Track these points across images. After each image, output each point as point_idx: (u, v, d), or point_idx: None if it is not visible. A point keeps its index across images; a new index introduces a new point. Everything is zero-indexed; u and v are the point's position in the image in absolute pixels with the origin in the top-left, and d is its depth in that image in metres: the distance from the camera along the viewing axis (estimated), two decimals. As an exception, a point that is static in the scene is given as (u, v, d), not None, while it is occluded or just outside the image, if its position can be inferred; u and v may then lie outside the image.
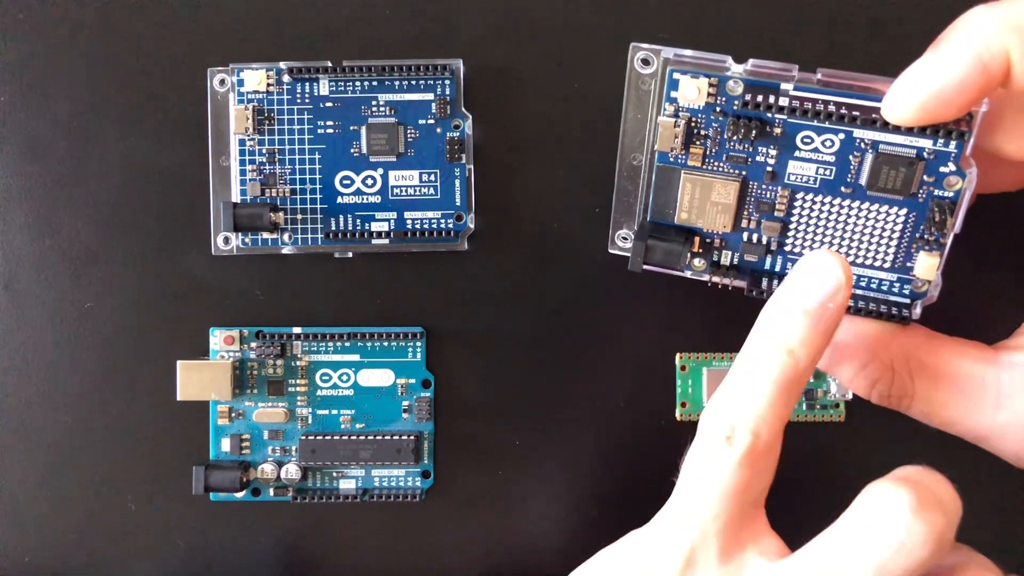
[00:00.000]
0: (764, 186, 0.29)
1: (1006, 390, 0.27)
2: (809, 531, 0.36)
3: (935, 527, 0.23)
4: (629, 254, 0.30)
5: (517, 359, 0.36)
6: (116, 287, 0.36)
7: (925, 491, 0.23)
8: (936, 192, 0.28)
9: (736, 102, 0.28)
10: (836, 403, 0.35)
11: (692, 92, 0.28)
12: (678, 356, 0.35)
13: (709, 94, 0.28)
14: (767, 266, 0.30)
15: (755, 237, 0.30)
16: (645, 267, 0.30)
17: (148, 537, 0.36)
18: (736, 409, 0.25)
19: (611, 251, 0.32)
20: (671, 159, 0.29)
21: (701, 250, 0.30)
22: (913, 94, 0.25)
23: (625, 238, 0.32)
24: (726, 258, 0.30)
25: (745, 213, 0.30)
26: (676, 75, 0.28)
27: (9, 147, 0.35)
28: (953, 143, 0.27)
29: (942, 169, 0.27)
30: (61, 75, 0.35)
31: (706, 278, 0.31)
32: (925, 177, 0.28)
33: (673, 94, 0.28)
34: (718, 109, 0.28)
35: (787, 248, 0.30)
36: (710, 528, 0.25)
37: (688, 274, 0.31)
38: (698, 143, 0.29)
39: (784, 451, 0.35)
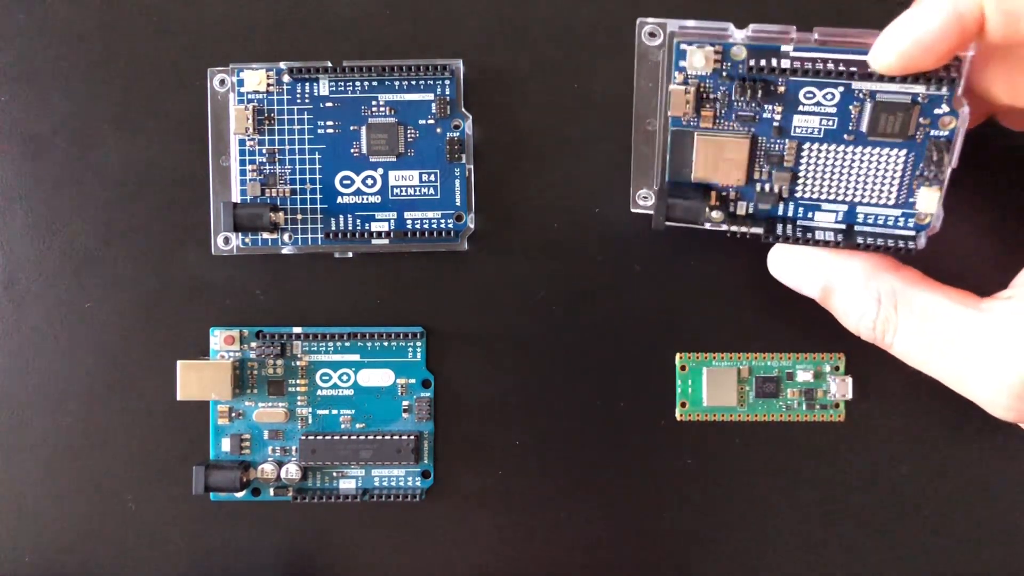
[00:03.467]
0: (772, 140, 0.31)
1: (985, 336, 0.28)
2: (810, 531, 0.36)
3: None
4: (651, 211, 0.32)
5: (517, 359, 0.36)
6: (116, 287, 0.36)
7: None
8: (932, 133, 0.29)
9: (741, 66, 0.30)
10: (836, 403, 0.35)
11: (699, 61, 0.30)
12: (678, 356, 0.35)
13: (715, 61, 0.30)
14: (780, 212, 0.32)
15: (767, 187, 0.31)
16: (668, 223, 0.32)
17: (148, 537, 0.36)
18: None
19: (633, 211, 0.34)
20: (684, 123, 0.31)
21: (718, 203, 0.32)
22: (896, 44, 0.27)
23: (645, 197, 0.33)
24: (742, 208, 0.32)
25: (757, 166, 0.31)
26: (683, 46, 0.30)
27: (9, 147, 0.35)
28: (944, 87, 0.28)
29: (936, 111, 0.29)
30: (61, 75, 0.35)
31: (724, 228, 0.32)
32: (921, 120, 0.29)
33: (682, 63, 0.30)
34: (724, 74, 0.30)
35: (798, 194, 0.31)
36: None
37: (707, 226, 0.32)
38: (708, 106, 0.31)
39: (784, 451, 0.36)
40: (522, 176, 0.35)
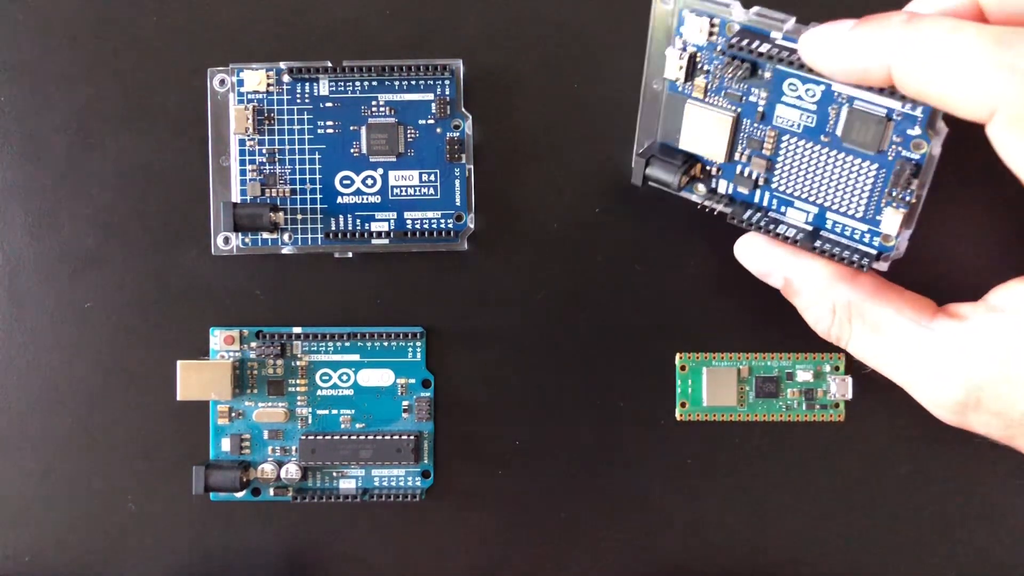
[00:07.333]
0: (755, 125, 0.31)
1: (928, 353, 0.28)
2: (809, 531, 0.36)
3: None
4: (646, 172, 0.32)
5: (517, 359, 0.36)
6: (116, 287, 0.36)
7: None
8: (904, 152, 0.29)
9: (731, 43, 0.30)
10: (836, 403, 0.35)
11: (695, 29, 0.31)
12: (678, 356, 0.35)
13: (710, 33, 0.30)
14: (756, 199, 0.32)
15: (746, 171, 0.32)
16: (647, 182, 0.32)
17: (148, 537, 0.36)
18: None
19: (633, 182, 0.33)
20: (679, 89, 0.32)
21: (702, 176, 0.33)
22: (820, 53, 0.27)
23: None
24: (722, 186, 0.33)
25: (739, 148, 0.32)
26: (685, 13, 0.31)
27: (9, 147, 0.35)
28: (920, 109, 0.28)
29: (909, 132, 0.29)
30: (61, 75, 0.35)
31: (695, 199, 0.33)
32: (894, 137, 0.29)
33: (682, 29, 0.31)
34: (718, 48, 0.31)
35: (773, 185, 0.32)
36: None
37: (684, 194, 0.33)
38: (701, 76, 0.31)
39: (784, 451, 0.36)
40: (522, 176, 0.35)
